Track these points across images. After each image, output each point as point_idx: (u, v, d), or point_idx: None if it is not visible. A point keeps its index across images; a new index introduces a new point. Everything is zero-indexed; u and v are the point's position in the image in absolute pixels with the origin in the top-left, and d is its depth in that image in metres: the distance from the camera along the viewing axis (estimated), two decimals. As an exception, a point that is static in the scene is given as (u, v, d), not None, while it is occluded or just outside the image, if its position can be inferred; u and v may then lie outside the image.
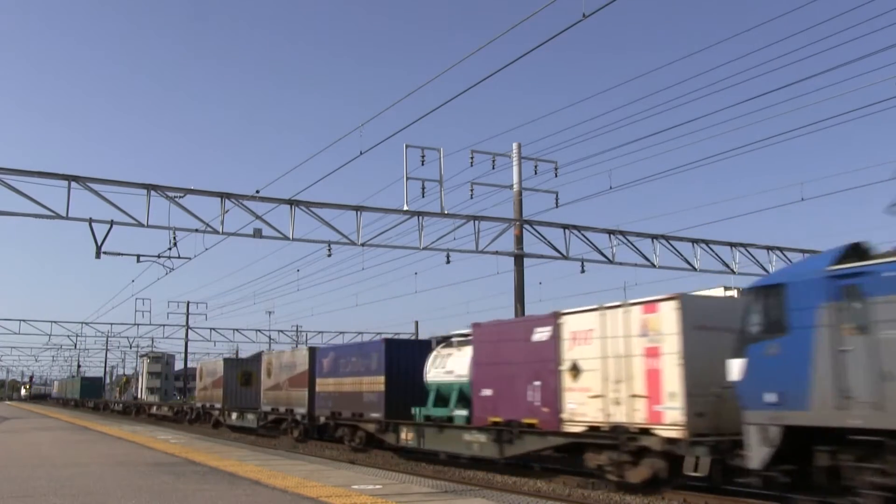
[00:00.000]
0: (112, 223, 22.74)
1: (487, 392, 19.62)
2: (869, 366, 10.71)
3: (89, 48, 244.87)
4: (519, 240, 26.53)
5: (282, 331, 75.55)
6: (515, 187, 27.06)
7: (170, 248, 24.82)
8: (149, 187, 22.67)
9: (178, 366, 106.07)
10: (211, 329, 70.73)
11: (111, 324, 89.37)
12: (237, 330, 71.78)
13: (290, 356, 33.48)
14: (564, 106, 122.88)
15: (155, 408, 62.52)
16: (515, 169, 27.10)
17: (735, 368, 12.69)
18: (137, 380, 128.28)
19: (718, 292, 16.51)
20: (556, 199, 27.45)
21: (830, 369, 11.14)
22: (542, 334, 17.91)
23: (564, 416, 16.92)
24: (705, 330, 14.41)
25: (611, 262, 28.20)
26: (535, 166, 27.31)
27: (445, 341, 23.19)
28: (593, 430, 16.16)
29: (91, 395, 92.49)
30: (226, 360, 43.93)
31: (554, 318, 17.56)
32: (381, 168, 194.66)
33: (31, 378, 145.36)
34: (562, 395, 17.02)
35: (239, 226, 29.81)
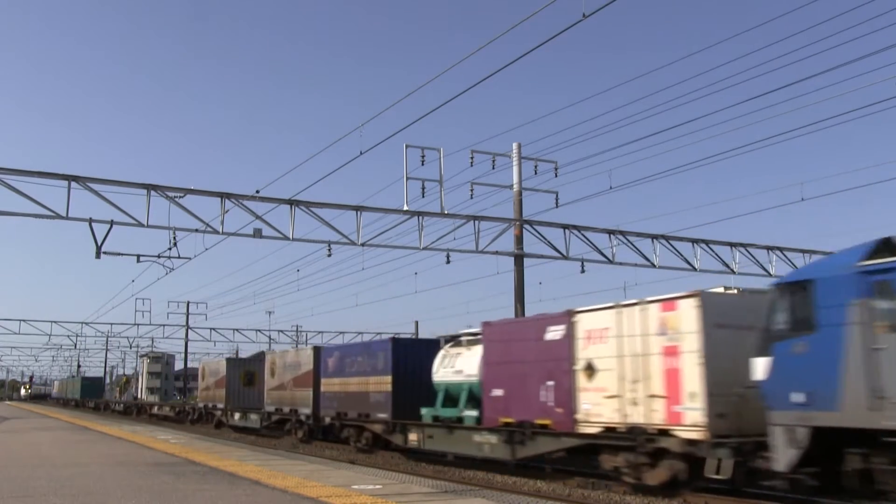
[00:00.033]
0: (112, 223, 22.56)
1: (498, 392, 19.22)
2: (904, 365, 10.32)
3: (89, 48, 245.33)
4: (519, 240, 26.29)
5: (282, 331, 75.55)
6: (515, 187, 26.81)
7: (170, 248, 24.67)
8: (149, 187, 22.45)
9: (178, 366, 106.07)
10: (211, 329, 70.63)
11: (111, 324, 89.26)
12: (237, 330, 71.65)
13: (294, 356, 33.10)
14: (564, 106, 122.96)
15: (156, 408, 62.12)
16: (515, 169, 26.87)
17: (760, 367, 12.32)
18: (137, 380, 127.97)
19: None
20: (556, 199, 27.31)
21: (862, 368, 10.78)
22: (555, 333, 17.51)
23: (579, 416, 16.53)
24: (726, 328, 14.02)
25: (611, 262, 28.01)
26: (535, 166, 27.14)
27: (454, 340, 22.77)
28: (609, 431, 15.77)
29: (91, 395, 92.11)
30: (228, 360, 43.59)
31: (568, 317, 17.16)
32: (381, 168, 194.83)
33: (31, 378, 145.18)
34: (576, 396, 16.62)
35: (239, 226, 29.75)
